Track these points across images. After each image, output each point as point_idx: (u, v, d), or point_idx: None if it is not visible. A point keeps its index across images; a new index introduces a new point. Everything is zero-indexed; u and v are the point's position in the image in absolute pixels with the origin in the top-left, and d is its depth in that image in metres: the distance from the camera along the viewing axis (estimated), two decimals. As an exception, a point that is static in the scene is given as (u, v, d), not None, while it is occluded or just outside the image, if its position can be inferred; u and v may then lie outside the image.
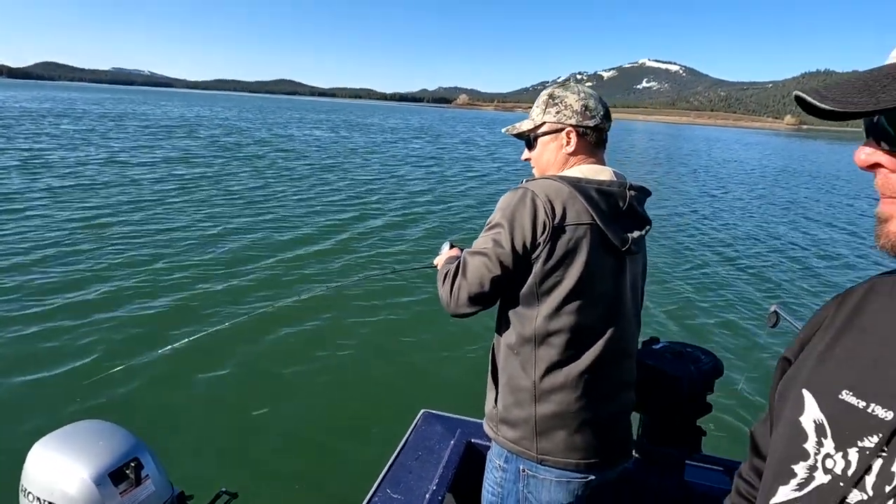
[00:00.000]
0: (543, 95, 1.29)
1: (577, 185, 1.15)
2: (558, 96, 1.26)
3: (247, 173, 12.81)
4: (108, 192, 9.40)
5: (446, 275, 1.25)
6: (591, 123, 1.23)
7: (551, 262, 1.12)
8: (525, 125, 1.32)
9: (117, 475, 1.24)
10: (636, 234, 1.19)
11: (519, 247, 1.12)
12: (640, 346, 1.38)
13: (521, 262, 1.13)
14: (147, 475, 1.30)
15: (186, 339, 1.89)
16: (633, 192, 1.21)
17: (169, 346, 3.83)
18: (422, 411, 1.90)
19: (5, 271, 5.26)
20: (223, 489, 1.50)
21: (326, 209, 9.38)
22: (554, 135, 1.26)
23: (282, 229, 7.74)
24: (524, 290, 1.16)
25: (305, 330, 4.40)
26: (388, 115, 71.12)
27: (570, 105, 1.24)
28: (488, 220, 1.21)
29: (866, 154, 0.50)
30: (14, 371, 3.55)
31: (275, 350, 4.08)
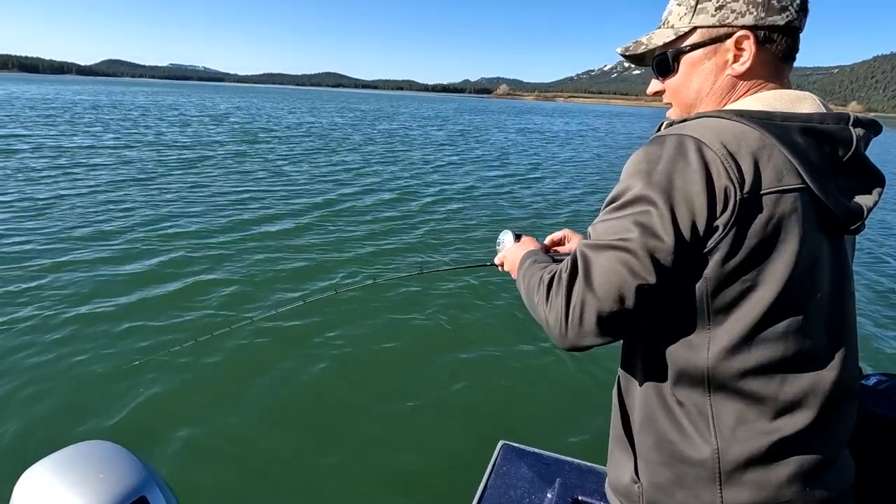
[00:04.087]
0: None
1: (768, 124, 0.70)
2: None
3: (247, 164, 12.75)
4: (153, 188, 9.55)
5: (550, 283, 0.79)
6: (779, 21, 0.74)
7: (737, 260, 0.68)
8: (658, 37, 0.83)
9: (117, 522, 0.96)
10: (868, 200, 0.73)
11: (687, 234, 0.67)
12: None
13: (688, 261, 0.69)
14: (156, 519, 1.01)
15: (214, 344, 1.57)
16: (860, 131, 0.72)
17: (194, 353, 3.38)
18: (501, 444, 1.51)
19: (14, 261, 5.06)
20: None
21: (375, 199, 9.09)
22: (712, 46, 0.78)
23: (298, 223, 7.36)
24: (683, 302, 0.72)
25: (341, 335, 3.88)
26: (421, 105, 70.68)
27: None
28: (614, 193, 0.75)
29: None
30: (13, 379, 3.12)
31: (313, 358, 3.57)
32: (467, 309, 4.46)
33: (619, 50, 0.90)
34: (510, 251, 1.08)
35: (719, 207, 0.67)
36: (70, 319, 3.91)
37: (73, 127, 17.71)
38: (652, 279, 0.69)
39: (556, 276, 0.78)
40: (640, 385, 0.82)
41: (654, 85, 0.88)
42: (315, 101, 61.82)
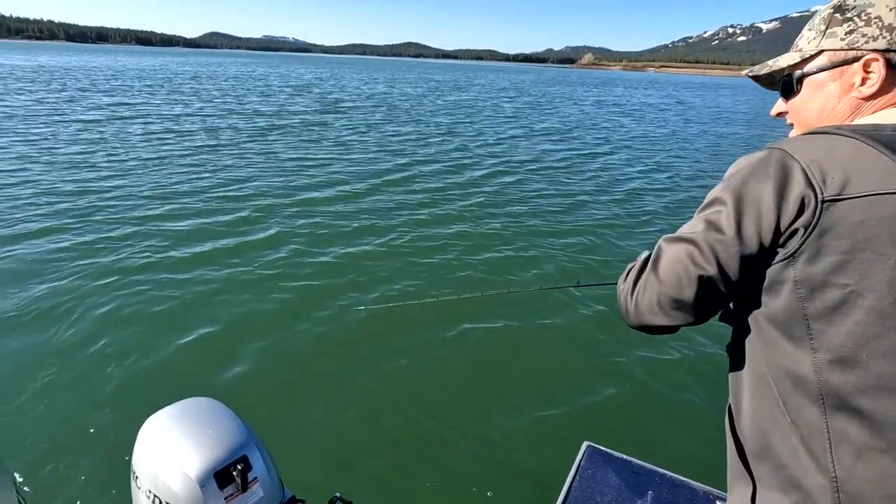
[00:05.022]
0: (825, 9, 0.80)
1: (873, 133, 0.69)
2: (853, 6, 0.77)
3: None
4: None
5: (631, 269, 0.90)
6: None
7: (828, 262, 0.66)
8: (784, 60, 0.85)
9: (223, 476, 1.07)
10: None
11: (750, 234, 0.70)
12: None
13: (754, 260, 0.72)
14: (255, 477, 1.11)
15: (330, 322, 1.62)
16: None
17: (311, 324, 3.61)
18: (585, 445, 1.45)
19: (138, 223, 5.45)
20: (337, 495, 1.30)
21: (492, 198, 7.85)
22: (839, 69, 0.78)
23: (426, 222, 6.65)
24: (777, 308, 0.71)
25: (447, 335, 3.78)
26: (499, 76, 68.37)
27: (878, 17, 0.74)
28: (706, 198, 0.80)
29: None
30: (136, 338, 3.44)
31: (417, 350, 3.56)
32: (575, 312, 4.29)
33: (744, 72, 0.93)
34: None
35: (793, 212, 0.68)
36: (203, 280, 4.27)
37: (171, 95, 19.41)
38: (711, 270, 0.74)
39: (636, 265, 0.90)
40: (752, 408, 0.78)
41: (779, 106, 0.90)
42: (394, 72, 62.07)
